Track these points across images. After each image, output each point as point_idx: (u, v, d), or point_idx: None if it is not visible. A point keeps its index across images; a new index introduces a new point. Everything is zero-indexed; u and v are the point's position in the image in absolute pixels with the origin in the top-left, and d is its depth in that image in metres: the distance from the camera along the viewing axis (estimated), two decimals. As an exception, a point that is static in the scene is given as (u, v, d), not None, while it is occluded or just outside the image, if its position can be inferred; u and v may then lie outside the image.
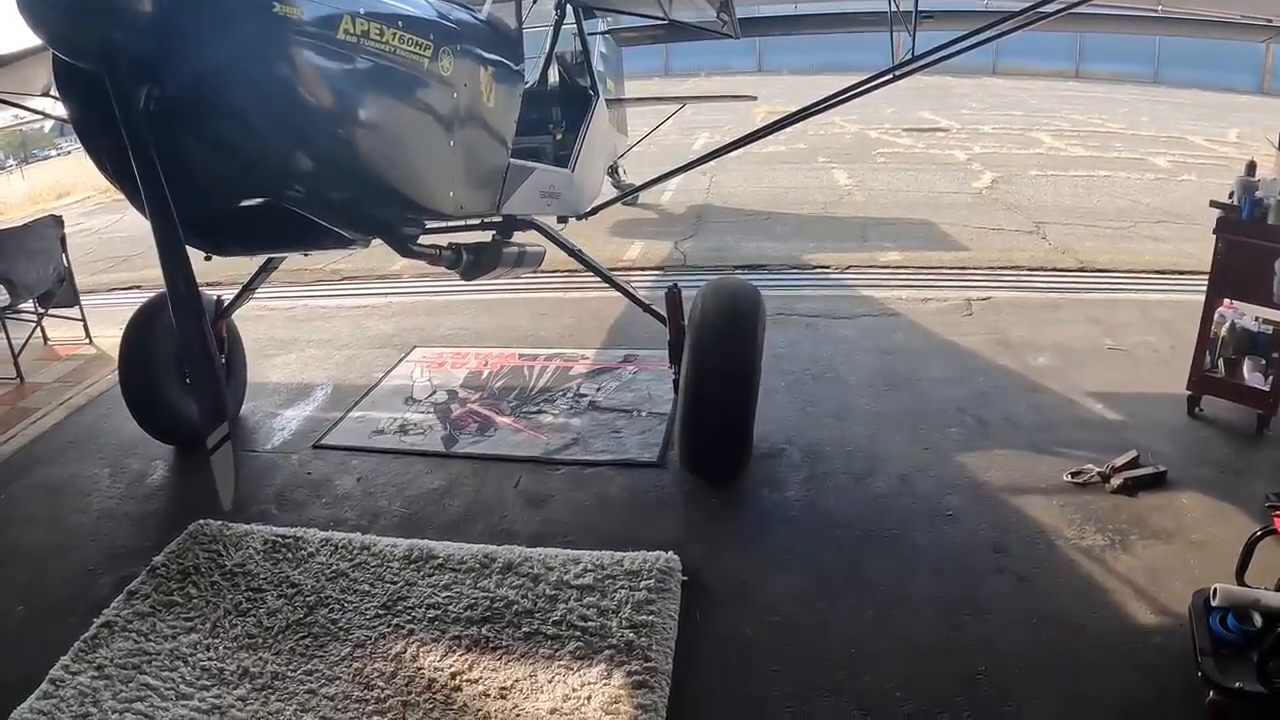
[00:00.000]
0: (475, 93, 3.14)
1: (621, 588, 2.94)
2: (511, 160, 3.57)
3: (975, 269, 6.66)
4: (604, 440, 4.05)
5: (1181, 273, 6.48)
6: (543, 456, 3.94)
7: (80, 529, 3.61)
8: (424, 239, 3.28)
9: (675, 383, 3.68)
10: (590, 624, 2.79)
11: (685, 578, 3.04)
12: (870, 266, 6.80)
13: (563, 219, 4.79)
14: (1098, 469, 3.67)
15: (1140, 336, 5.26)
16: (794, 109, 4.40)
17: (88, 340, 5.84)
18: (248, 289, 4.26)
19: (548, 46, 4.88)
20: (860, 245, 7.49)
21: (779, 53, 25.34)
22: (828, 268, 6.82)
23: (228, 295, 4.41)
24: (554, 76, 5.16)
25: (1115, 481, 3.60)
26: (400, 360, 5.18)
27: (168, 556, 3.22)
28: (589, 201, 5.06)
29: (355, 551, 3.23)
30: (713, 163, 11.59)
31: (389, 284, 6.78)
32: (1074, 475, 3.67)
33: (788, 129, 4.35)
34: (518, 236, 4.02)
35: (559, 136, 4.88)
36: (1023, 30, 4.00)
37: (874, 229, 8.00)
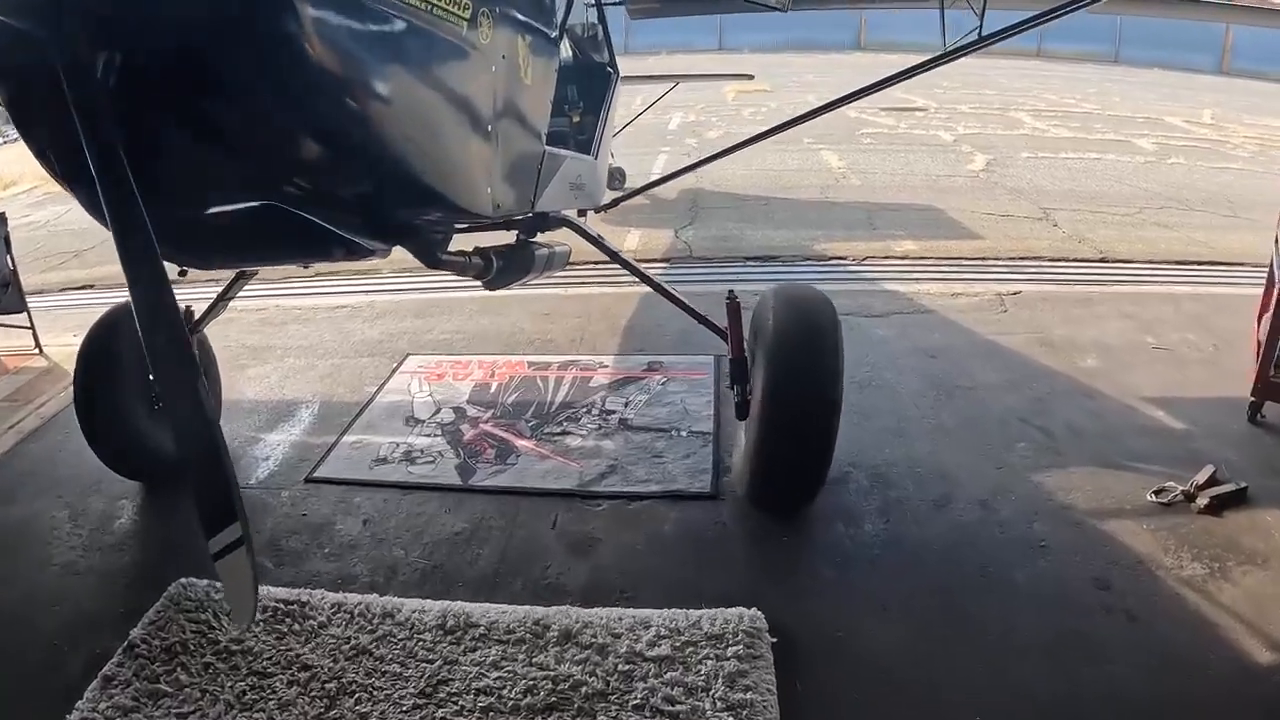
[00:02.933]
0: (514, 66, 2.62)
1: (707, 658, 2.50)
2: (547, 149, 3.07)
3: (996, 259, 6.33)
4: (645, 467, 3.58)
5: (1202, 263, 6.34)
6: (578, 489, 3.46)
7: (39, 590, 3.03)
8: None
9: (739, 406, 3.22)
10: (679, 707, 2.33)
11: (774, 639, 2.61)
12: (888, 257, 6.42)
13: (582, 212, 4.30)
14: (1181, 487, 3.41)
15: (1179, 334, 5.01)
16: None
17: (37, 350, 5.16)
18: (223, 298, 3.69)
19: (560, 16, 4.35)
20: (871, 233, 7.11)
21: (740, 31, 24.91)
22: (844, 258, 6.42)
23: (197, 302, 3.81)
24: (565, 50, 4.61)
25: (1201, 501, 3.35)
26: (394, 371, 4.63)
27: (147, 629, 2.67)
28: (605, 191, 4.57)
29: (376, 620, 2.72)
30: (695, 145, 11.22)
31: (369, 279, 6.15)
32: (1157, 494, 3.41)
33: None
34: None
35: (577, 119, 4.36)
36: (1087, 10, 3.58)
37: (880, 215, 7.63)
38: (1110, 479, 3.54)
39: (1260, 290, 5.46)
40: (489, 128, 2.47)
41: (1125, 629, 2.72)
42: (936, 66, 3.64)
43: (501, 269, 2.95)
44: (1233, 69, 21.25)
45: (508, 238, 3.42)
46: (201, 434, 1.74)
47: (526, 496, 3.47)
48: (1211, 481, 3.43)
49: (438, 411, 4.17)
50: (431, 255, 2.61)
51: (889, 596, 2.87)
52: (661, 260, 6.53)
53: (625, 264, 3.57)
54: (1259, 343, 4.30)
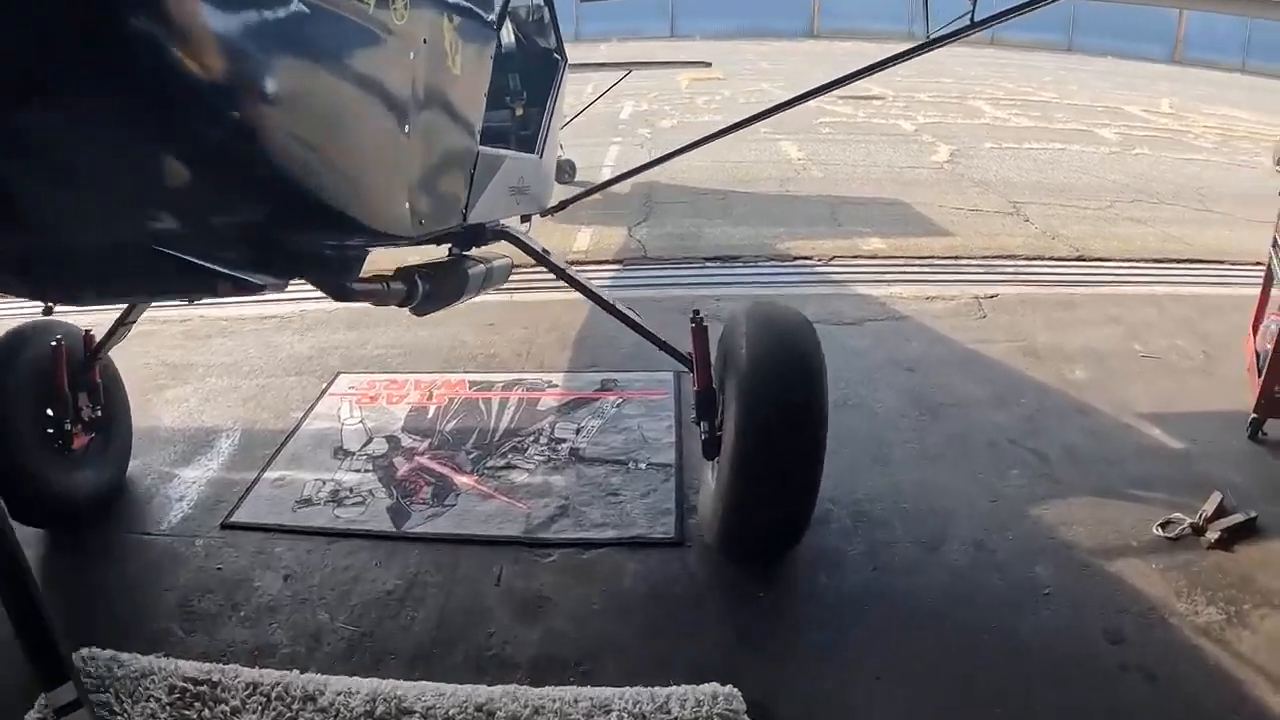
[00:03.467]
0: (438, 53, 2.16)
1: (676, 754, 2.11)
2: (481, 149, 2.62)
3: (969, 259, 6.01)
4: (600, 508, 3.17)
5: (1181, 261, 6.11)
6: (526, 536, 3.04)
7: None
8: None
9: (706, 444, 2.81)
10: (645, 824, 1.95)
11: (754, 723, 2.23)
12: (856, 257, 6.07)
13: (526, 218, 3.87)
14: (1189, 519, 3.14)
15: (1168, 340, 4.76)
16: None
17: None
18: (123, 322, 3.19)
19: (501, -1, 3.86)
20: (835, 230, 6.75)
21: (692, 17, 24.54)
22: (809, 258, 6.04)
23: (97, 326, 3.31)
24: (507, 35, 4.13)
25: (1211, 535, 3.08)
26: (323, 393, 4.15)
27: (43, 713, 2.21)
28: (552, 193, 4.14)
29: (296, 704, 2.28)
30: (648, 134, 10.79)
31: (299, 286, 5.60)
32: (1164, 527, 3.12)
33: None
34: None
35: (519, 112, 3.89)
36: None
37: (844, 210, 7.29)
38: (1113, 510, 3.25)
39: (1246, 291, 5.29)
40: (406, 128, 2.02)
41: (1145, 691, 2.44)
42: (928, 51, 3.30)
43: (429, 294, 2.49)
44: (1185, 58, 21.37)
45: (438, 252, 2.98)
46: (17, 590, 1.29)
47: (467, 545, 3.04)
48: (1220, 512, 3.17)
49: (369, 441, 3.71)
50: (338, 286, 2.17)
51: (882, 662, 2.52)
52: (614, 262, 6.10)
53: (575, 284, 3.13)
54: (1256, 353, 4.04)
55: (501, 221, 3.07)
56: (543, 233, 6.54)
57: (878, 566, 2.93)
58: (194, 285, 1.88)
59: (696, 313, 2.96)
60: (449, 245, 2.95)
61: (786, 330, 2.63)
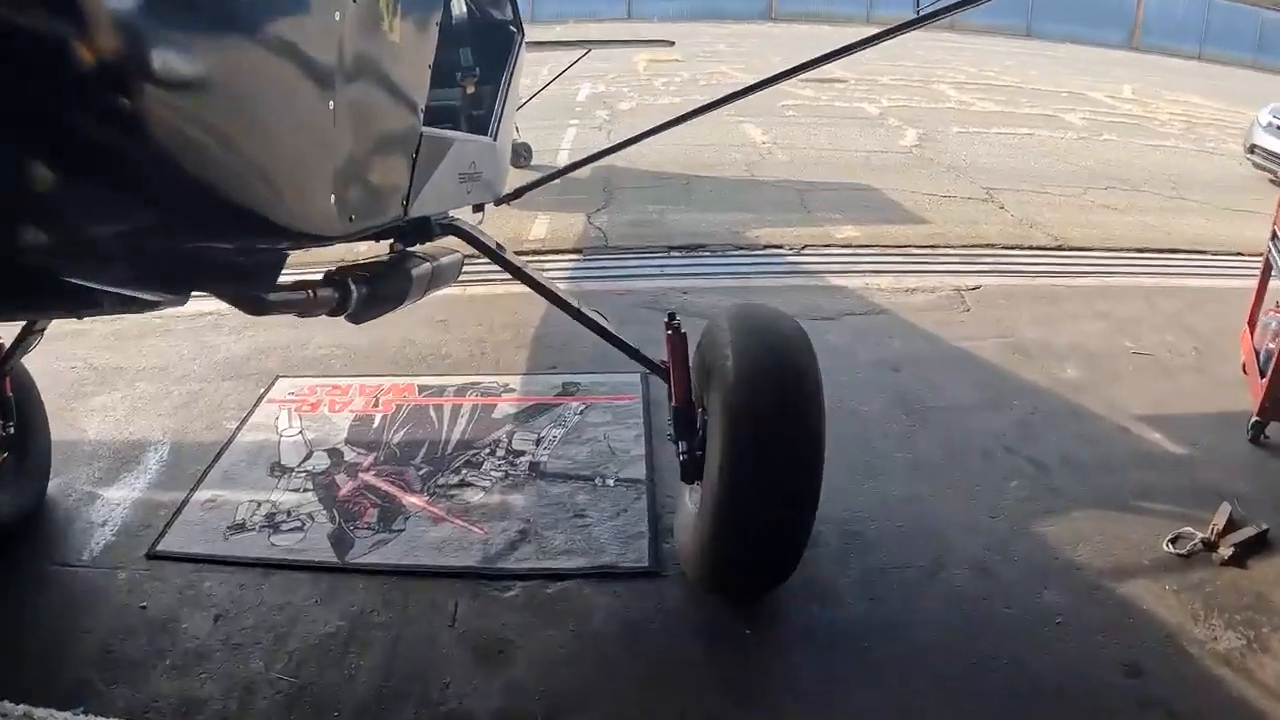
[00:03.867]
0: (372, 15, 1.77)
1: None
2: (425, 130, 2.25)
3: (947, 248, 5.75)
4: (565, 532, 2.85)
5: (1163, 251, 5.97)
6: (483, 566, 2.71)
7: None
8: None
9: (685, 466, 2.50)
10: None
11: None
12: (828, 245, 5.78)
13: (479, 207, 3.51)
14: (1200, 534, 2.95)
15: (1158, 335, 4.57)
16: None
17: None
18: (33, 330, 2.76)
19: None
20: (806, 217, 6.46)
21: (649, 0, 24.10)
22: (780, 247, 5.74)
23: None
24: (458, 2, 3.71)
25: (1224, 551, 2.90)
26: (260, 400, 3.75)
27: None
28: (506, 179, 3.77)
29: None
30: (607, 117, 10.41)
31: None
32: (1174, 543, 2.94)
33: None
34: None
35: (471, 90, 3.50)
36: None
37: (813, 196, 6.99)
38: (1119, 524, 3.04)
39: (1231, 283, 5.18)
40: (330, 104, 1.63)
41: (1171, 732, 2.19)
42: (905, 33, 2.99)
43: (366, 299, 2.12)
44: (1143, 44, 21.47)
45: (378, 249, 2.61)
46: None
47: (417, 577, 2.70)
48: (1230, 525, 3.00)
49: (309, 456, 3.34)
50: (252, 299, 1.80)
51: (887, 710, 2.26)
52: (573, 252, 5.73)
53: (534, 284, 2.78)
54: (1255, 351, 3.83)
55: (450, 213, 2.70)
56: (496, 219, 6.16)
57: (874, 596, 2.66)
58: (75, 303, 1.51)
59: (672, 316, 2.63)
60: (392, 241, 2.58)
61: (778, 341, 2.32)
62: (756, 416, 2.15)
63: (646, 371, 2.84)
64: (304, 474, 3.22)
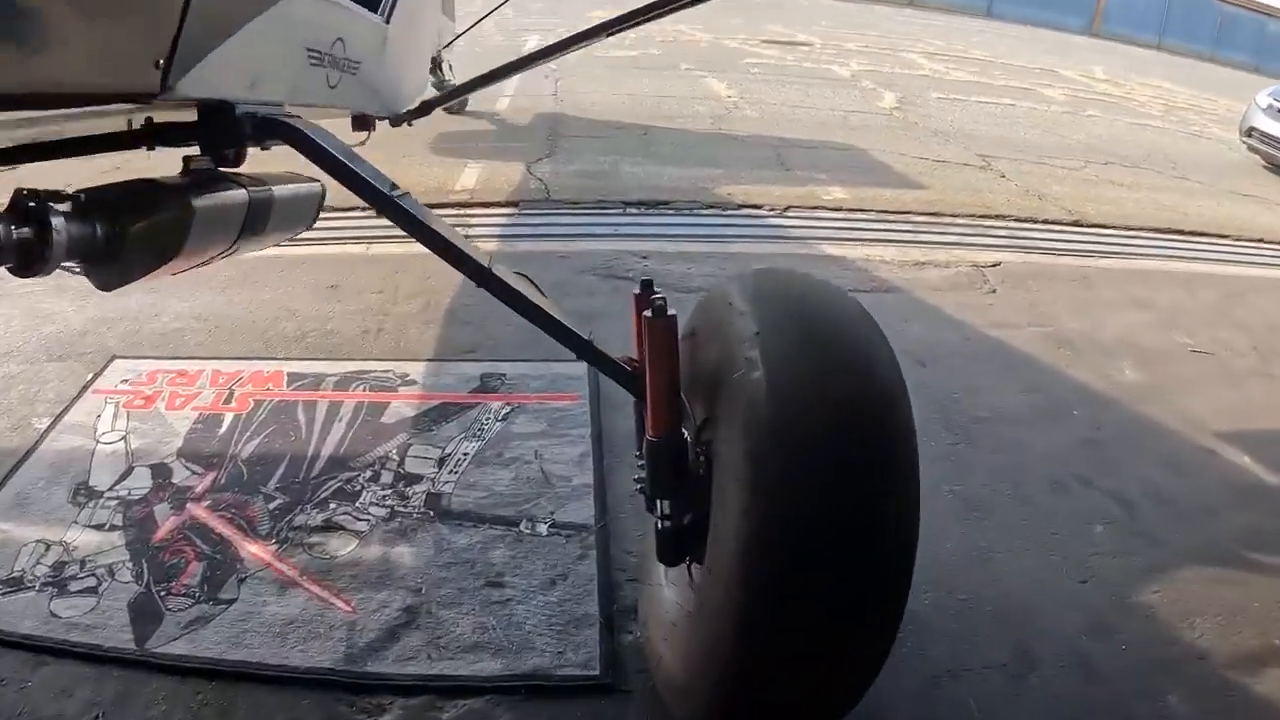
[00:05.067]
0: None
1: None
2: None
3: (954, 217, 4.88)
4: (474, 610, 1.85)
5: (1186, 234, 5.26)
6: (346, 671, 1.70)
7: None
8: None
9: (664, 541, 1.48)
10: None
11: None
12: (816, 208, 4.84)
13: (364, 122, 2.46)
14: None
15: (1209, 331, 3.84)
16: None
17: None
18: None
19: None
20: (786, 175, 5.51)
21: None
22: (759, 207, 4.78)
23: None
24: None
25: None
26: (85, 388, 2.67)
27: None
28: (412, 96, 2.74)
29: None
30: (554, 66, 9.29)
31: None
32: None
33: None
34: (265, 161, 1.66)
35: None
36: None
37: (791, 153, 6.03)
38: (1235, 590, 2.27)
39: (1262, 273, 4.69)
40: None
41: None
42: None
43: (99, 247, 1.12)
44: (1104, 31, 21.05)
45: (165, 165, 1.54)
46: None
47: (248, 683, 1.69)
48: None
49: (127, 474, 2.27)
50: None
51: None
52: (506, 205, 4.65)
53: (417, 230, 1.65)
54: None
55: (292, 108, 1.63)
56: (415, 165, 5.09)
57: (941, 717, 1.75)
58: None
59: (648, 286, 1.58)
60: (187, 155, 1.52)
61: (841, 334, 1.37)
62: (813, 473, 1.19)
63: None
64: (115, 501, 2.17)
